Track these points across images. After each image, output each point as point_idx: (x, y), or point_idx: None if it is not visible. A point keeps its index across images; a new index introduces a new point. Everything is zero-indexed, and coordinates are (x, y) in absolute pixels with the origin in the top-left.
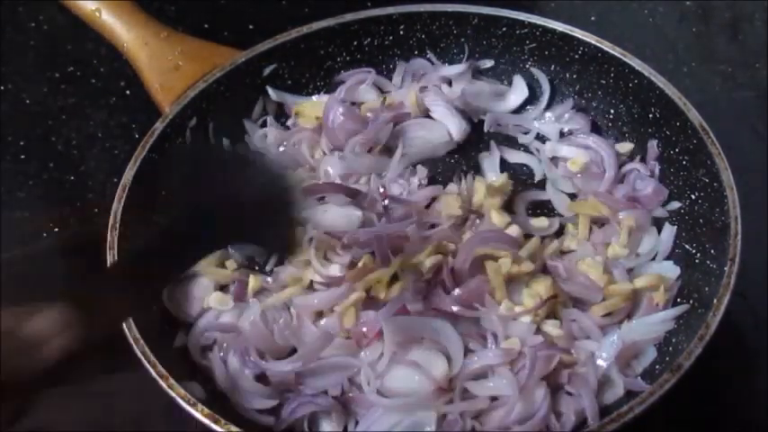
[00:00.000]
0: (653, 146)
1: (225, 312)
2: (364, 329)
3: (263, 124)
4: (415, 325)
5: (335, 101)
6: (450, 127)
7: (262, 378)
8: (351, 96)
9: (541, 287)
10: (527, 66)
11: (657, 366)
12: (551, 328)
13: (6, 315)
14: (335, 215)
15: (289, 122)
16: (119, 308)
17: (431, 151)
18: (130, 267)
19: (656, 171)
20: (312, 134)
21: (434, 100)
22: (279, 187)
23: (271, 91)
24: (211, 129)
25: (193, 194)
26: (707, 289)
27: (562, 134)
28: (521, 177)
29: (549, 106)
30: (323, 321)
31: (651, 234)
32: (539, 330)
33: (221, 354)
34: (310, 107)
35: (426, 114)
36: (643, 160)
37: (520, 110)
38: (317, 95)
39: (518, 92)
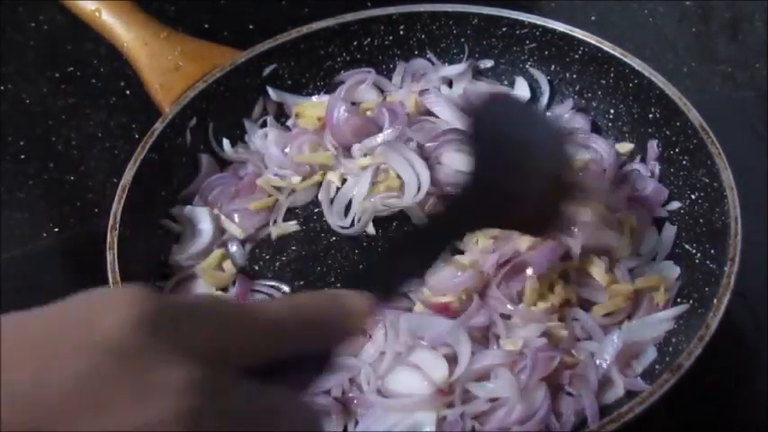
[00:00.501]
0: (653, 146)
1: None
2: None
3: (263, 124)
4: (425, 325)
5: (337, 99)
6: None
7: None
8: (351, 96)
9: (556, 290)
10: (527, 66)
11: (657, 366)
12: (556, 328)
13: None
14: None
15: (289, 122)
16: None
17: None
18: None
19: (657, 171)
20: (314, 136)
21: (436, 101)
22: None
23: (271, 91)
24: (211, 129)
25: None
26: (707, 289)
27: None
28: None
29: (548, 106)
30: None
31: (651, 234)
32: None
33: None
34: (311, 108)
35: (428, 114)
36: (643, 160)
37: None
38: (316, 96)
39: (520, 93)
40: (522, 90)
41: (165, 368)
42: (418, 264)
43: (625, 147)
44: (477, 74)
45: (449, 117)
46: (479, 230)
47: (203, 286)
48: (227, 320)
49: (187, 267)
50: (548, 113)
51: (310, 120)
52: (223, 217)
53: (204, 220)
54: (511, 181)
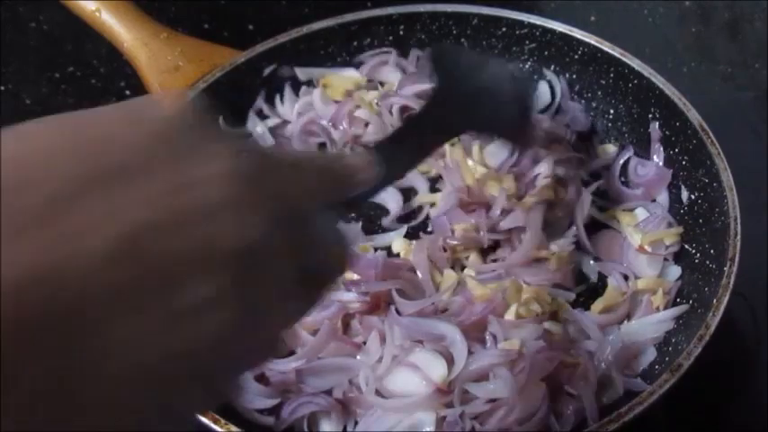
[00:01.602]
0: (654, 128)
1: None
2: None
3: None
4: (422, 328)
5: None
6: None
7: (262, 378)
8: (374, 75)
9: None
10: (526, 66)
11: (657, 366)
12: (553, 327)
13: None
14: None
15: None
16: (392, 168)
17: None
18: (406, 133)
19: (661, 153)
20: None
21: None
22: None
23: (298, 70)
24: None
25: (446, 81)
26: (707, 289)
27: None
28: None
29: (548, 106)
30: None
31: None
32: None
33: None
34: (338, 79)
35: None
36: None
37: None
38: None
39: (541, 97)
40: (542, 95)
41: (218, 142)
42: (402, 164)
43: (609, 149)
44: None
45: None
46: (457, 133)
47: None
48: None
49: None
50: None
51: (337, 90)
52: None
53: None
54: (477, 91)
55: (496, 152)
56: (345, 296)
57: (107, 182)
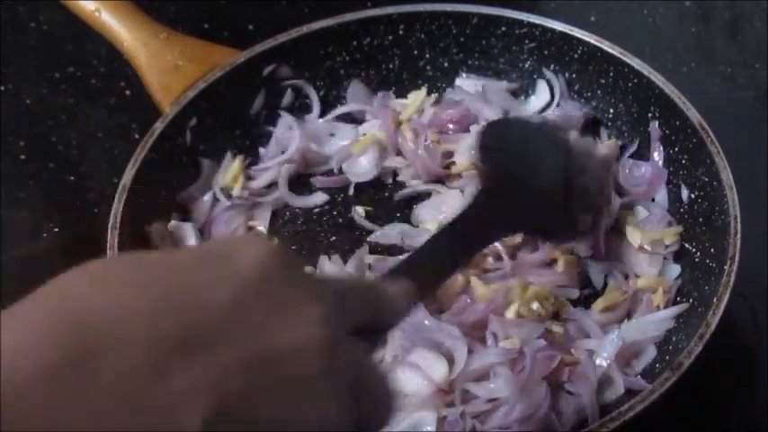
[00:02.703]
0: (654, 127)
1: None
2: None
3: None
4: (422, 334)
5: None
6: (487, 113)
7: None
8: None
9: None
10: (526, 65)
11: (658, 365)
12: (554, 326)
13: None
14: None
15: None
16: (434, 281)
17: None
18: (452, 235)
19: (660, 151)
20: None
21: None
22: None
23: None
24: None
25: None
26: (707, 288)
27: None
28: None
29: (548, 106)
30: None
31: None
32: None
33: None
34: None
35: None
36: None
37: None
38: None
39: (540, 96)
40: (542, 94)
41: (301, 301)
42: (447, 266)
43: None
44: (495, 74)
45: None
46: (501, 237)
47: None
48: (345, 283)
49: None
50: (553, 125)
51: None
52: None
53: (191, 237)
54: (522, 190)
55: None
56: None
57: (200, 346)
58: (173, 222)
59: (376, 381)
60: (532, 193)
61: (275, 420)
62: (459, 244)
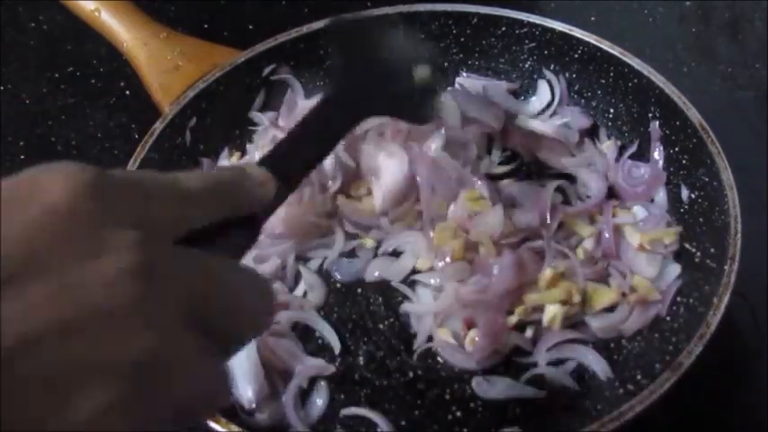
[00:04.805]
0: (655, 127)
1: None
2: None
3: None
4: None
5: None
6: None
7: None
8: None
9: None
10: (526, 65)
11: (658, 365)
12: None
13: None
14: None
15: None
16: (295, 176)
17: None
18: (306, 130)
19: (661, 152)
20: None
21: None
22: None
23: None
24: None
25: (350, 65)
26: (707, 288)
27: None
28: None
29: (548, 106)
30: None
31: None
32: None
33: None
34: None
35: None
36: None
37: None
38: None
39: (541, 97)
40: (543, 94)
41: (110, 229)
42: (317, 150)
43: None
44: (495, 74)
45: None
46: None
47: None
48: (151, 190)
49: None
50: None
51: None
52: None
53: None
54: (374, 77)
55: None
56: None
57: None
58: None
59: (225, 291)
60: (384, 80)
61: (87, 355)
62: (324, 129)
